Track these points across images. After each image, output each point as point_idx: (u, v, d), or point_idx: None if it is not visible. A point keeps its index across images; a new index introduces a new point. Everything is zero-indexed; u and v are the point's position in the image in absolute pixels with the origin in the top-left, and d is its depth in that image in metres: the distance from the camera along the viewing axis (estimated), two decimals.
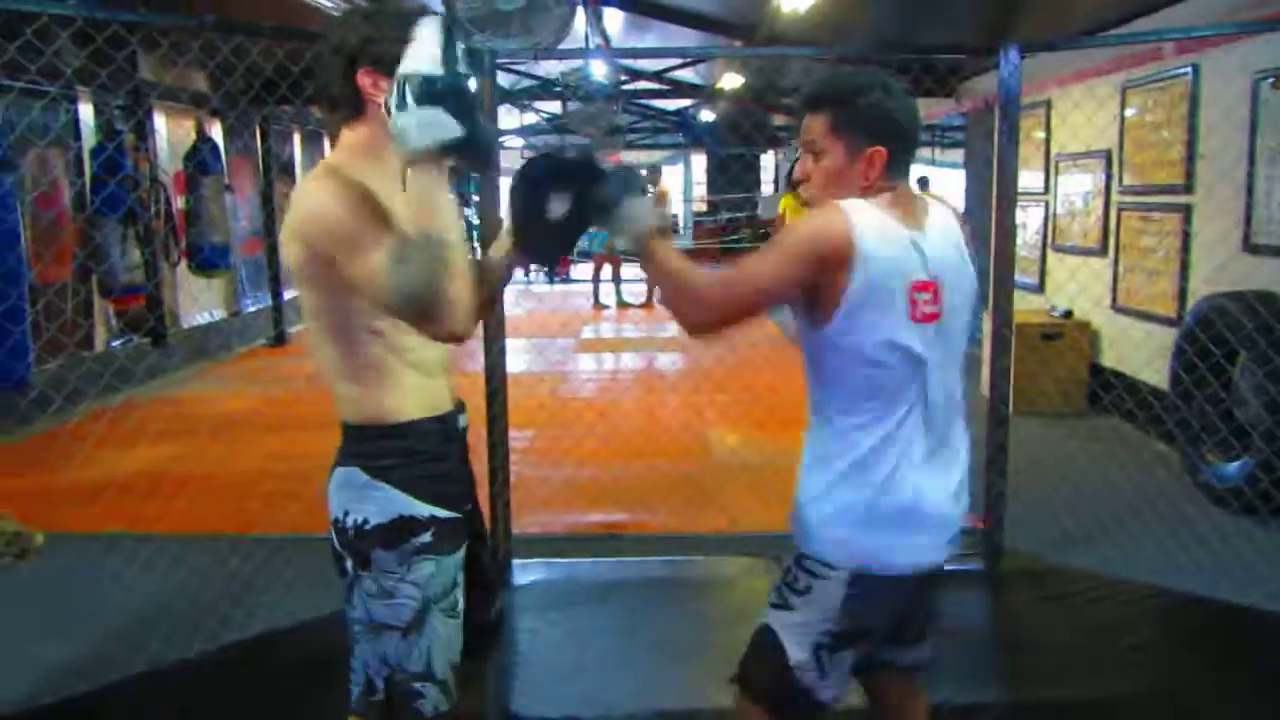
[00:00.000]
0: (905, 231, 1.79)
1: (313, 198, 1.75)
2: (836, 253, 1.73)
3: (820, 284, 1.76)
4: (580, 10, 5.90)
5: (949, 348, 1.86)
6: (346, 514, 1.86)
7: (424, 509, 1.86)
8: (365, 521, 1.84)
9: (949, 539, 1.90)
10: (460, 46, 1.58)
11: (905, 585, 1.87)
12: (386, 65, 1.72)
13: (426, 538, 1.86)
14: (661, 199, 12.71)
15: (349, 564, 1.88)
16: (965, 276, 1.89)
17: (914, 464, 1.82)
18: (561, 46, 4.48)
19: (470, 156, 1.61)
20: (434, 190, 1.69)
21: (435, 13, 1.69)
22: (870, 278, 1.74)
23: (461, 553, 1.94)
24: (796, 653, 1.86)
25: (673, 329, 8.89)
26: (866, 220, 1.76)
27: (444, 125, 1.52)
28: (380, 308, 1.70)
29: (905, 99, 1.85)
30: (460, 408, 2.01)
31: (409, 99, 1.51)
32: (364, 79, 1.79)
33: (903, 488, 1.81)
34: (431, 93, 1.51)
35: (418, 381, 1.87)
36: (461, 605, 1.94)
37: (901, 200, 1.84)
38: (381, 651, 1.88)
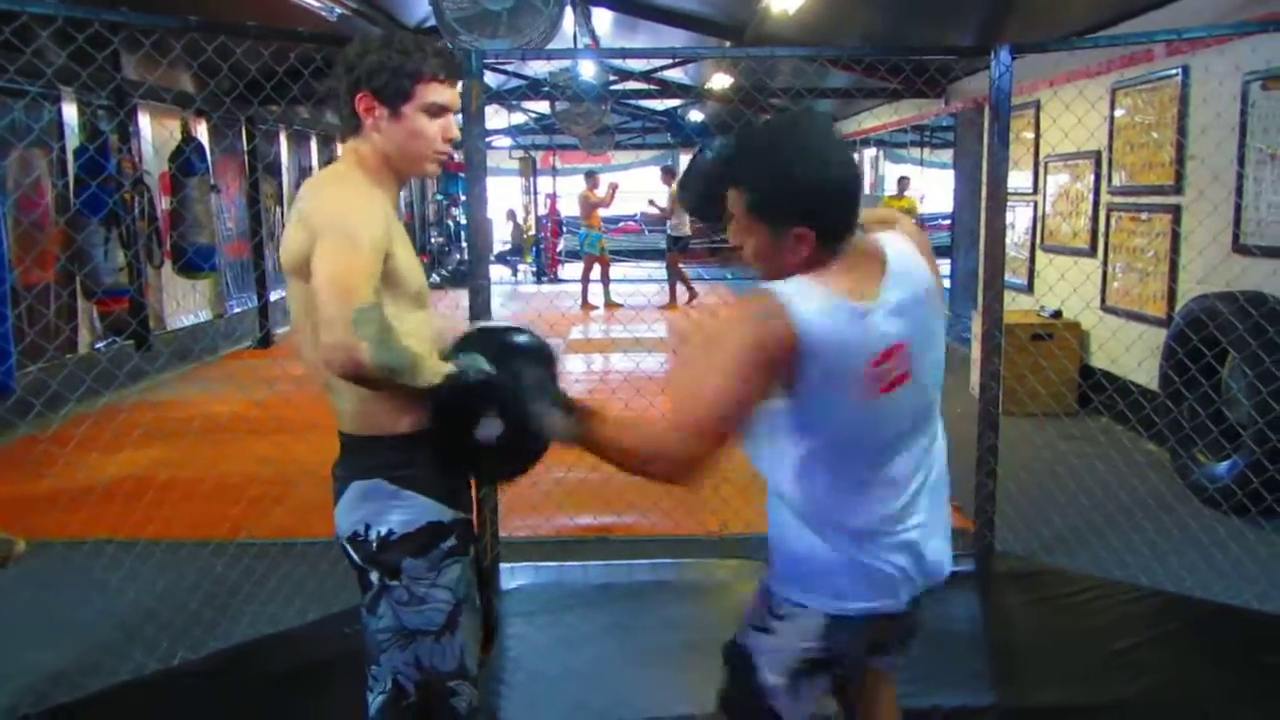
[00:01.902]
0: (857, 306, 1.61)
1: (324, 190, 1.83)
2: (783, 354, 1.58)
3: (774, 383, 1.63)
4: (569, 10, 5.87)
5: (922, 393, 1.75)
6: (368, 527, 1.86)
7: (450, 513, 1.89)
8: (390, 532, 1.85)
9: (922, 584, 1.82)
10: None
11: (878, 621, 1.81)
12: (385, 96, 1.83)
13: (453, 541, 1.89)
14: (674, 201, 12.69)
15: (374, 575, 1.88)
16: (930, 315, 1.74)
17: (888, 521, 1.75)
18: (550, 46, 4.45)
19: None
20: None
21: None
22: (824, 368, 1.60)
23: (472, 551, 1.98)
24: (770, 676, 1.81)
25: (662, 330, 8.83)
26: (810, 305, 1.58)
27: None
28: (322, 305, 1.66)
29: (829, 162, 1.62)
30: None
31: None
32: (361, 102, 1.84)
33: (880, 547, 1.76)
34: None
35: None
36: (478, 601, 1.98)
37: (849, 266, 1.66)
38: (414, 657, 1.89)
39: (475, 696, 1.94)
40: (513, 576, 3.84)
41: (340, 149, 1.93)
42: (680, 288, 12.41)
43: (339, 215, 1.73)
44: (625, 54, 6.44)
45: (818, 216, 1.61)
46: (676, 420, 1.62)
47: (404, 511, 1.84)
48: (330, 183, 1.86)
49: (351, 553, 1.89)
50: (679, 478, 1.67)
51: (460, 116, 2.04)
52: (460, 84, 1.94)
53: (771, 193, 1.62)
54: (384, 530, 1.84)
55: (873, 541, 1.74)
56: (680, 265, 12.52)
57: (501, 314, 3.80)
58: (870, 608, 1.76)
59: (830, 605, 1.76)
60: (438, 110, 1.85)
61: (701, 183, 1.77)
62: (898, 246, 1.73)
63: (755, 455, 1.80)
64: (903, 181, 14.13)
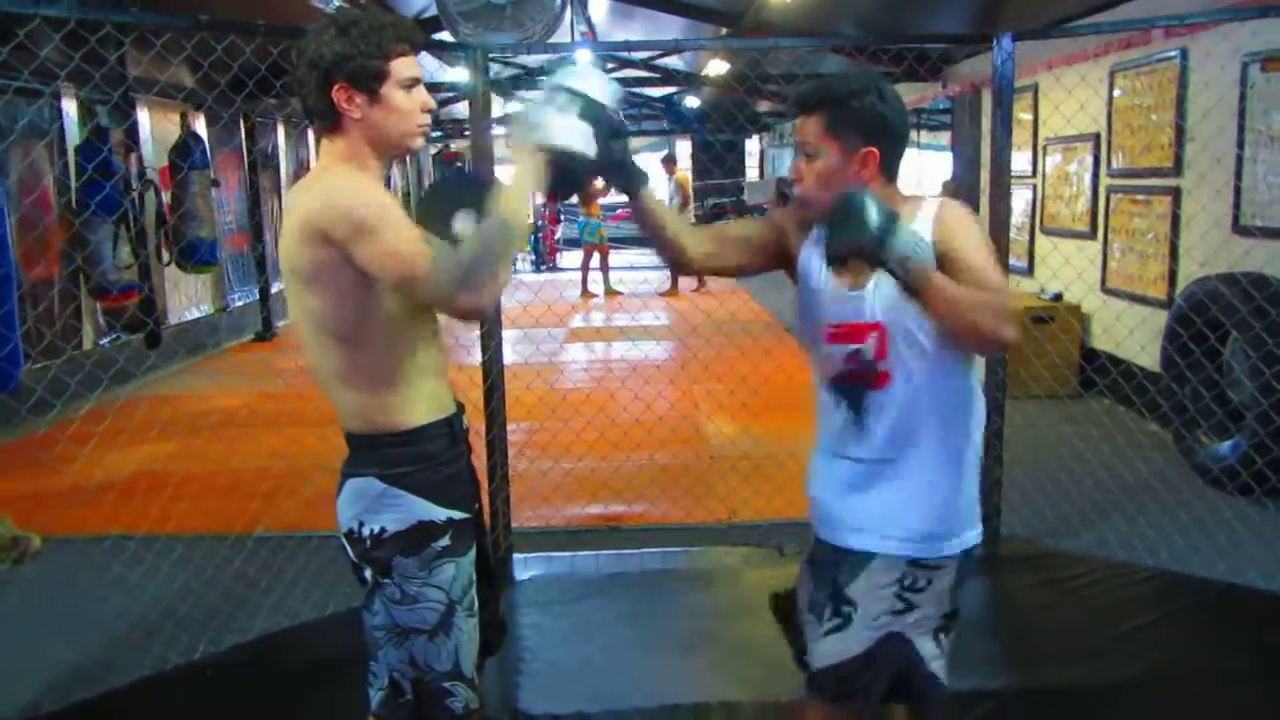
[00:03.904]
0: None
1: (322, 191, 1.77)
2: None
3: None
4: None
5: None
6: (361, 524, 1.87)
7: (441, 513, 1.88)
8: (383, 530, 1.86)
9: None
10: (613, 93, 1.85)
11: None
12: (362, 82, 1.80)
13: (446, 541, 1.88)
14: (684, 186, 12.66)
15: (368, 572, 1.89)
16: None
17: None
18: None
19: (602, 173, 1.90)
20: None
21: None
22: None
23: (474, 552, 1.97)
24: (926, 645, 1.92)
25: (665, 317, 8.84)
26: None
27: (581, 137, 1.80)
28: (405, 280, 1.70)
29: (897, 101, 1.88)
30: (461, 409, 2.03)
31: (563, 107, 1.79)
32: (339, 95, 1.81)
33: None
34: (591, 114, 1.81)
35: (425, 386, 1.89)
36: (477, 604, 1.97)
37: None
38: (409, 655, 1.90)
39: (472, 698, 1.93)
40: (525, 567, 3.88)
41: (319, 148, 1.90)
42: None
43: (349, 212, 1.71)
44: (630, 46, 6.47)
45: (884, 140, 1.86)
46: (997, 288, 1.77)
47: (395, 510, 1.85)
48: (315, 189, 1.80)
49: (347, 549, 1.91)
50: (1010, 336, 1.72)
51: (464, 105, 2.06)
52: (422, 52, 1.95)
53: (848, 112, 1.84)
54: (376, 528, 1.86)
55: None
56: None
57: (505, 304, 3.77)
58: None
59: (969, 539, 1.93)
60: (412, 83, 1.84)
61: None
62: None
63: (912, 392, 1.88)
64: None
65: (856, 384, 1.91)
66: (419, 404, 1.88)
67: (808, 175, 1.89)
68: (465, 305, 1.69)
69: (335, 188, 1.76)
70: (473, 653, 1.95)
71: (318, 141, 2.01)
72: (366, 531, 1.87)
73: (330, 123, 1.83)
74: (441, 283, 1.67)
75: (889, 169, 1.88)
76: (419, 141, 1.90)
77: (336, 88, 1.79)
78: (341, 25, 1.81)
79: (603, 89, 1.83)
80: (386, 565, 1.87)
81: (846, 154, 1.84)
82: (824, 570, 1.96)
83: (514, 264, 1.75)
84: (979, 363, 1.90)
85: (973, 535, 1.93)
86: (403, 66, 1.82)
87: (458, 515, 1.91)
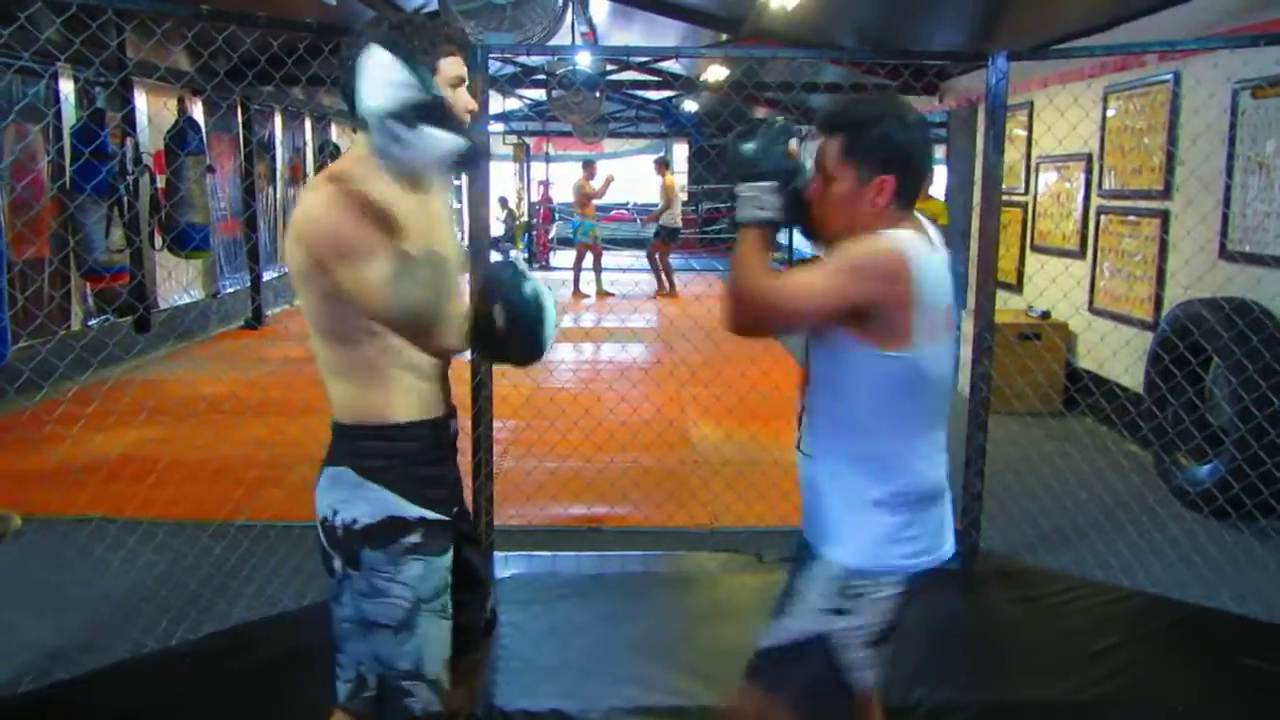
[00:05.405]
0: (938, 255, 1.87)
1: (313, 203, 1.80)
2: (894, 273, 1.78)
3: (880, 308, 1.79)
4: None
5: (951, 363, 1.98)
6: (335, 513, 1.89)
7: (413, 510, 1.89)
8: (354, 521, 1.88)
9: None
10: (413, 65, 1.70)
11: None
12: None
13: (416, 538, 1.89)
14: (669, 191, 12.70)
15: (337, 563, 1.91)
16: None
17: (937, 471, 1.96)
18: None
19: (467, 164, 1.74)
20: (436, 201, 1.83)
21: (455, 39, 1.88)
22: (925, 302, 1.81)
23: (450, 555, 1.97)
24: (851, 654, 1.92)
25: (655, 321, 8.86)
26: (913, 244, 1.81)
27: (447, 140, 1.67)
28: (376, 318, 1.77)
29: (919, 130, 1.88)
30: (453, 413, 2.04)
31: (407, 127, 1.65)
32: None
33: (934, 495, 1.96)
34: (428, 115, 1.67)
35: (411, 384, 1.90)
36: (450, 607, 1.97)
37: (918, 226, 1.89)
38: (374, 650, 1.91)
39: (431, 701, 1.91)
40: (506, 565, 3.89)
41: (354, 140, 1.91)
42: (664, 276, 12.50)
43: (328, 235, 1.75)
44: (630, 51, 6.48)
45: (901, 169, 1.85)
46: (780, 285, 1.81)
47: (367, 503, 1.87)
48: (311, 197, 1.83)
49: (321, 536, 1.92)
50: (742, 320, 1.85)
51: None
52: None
53: (869, 138, 1.85)
54: (349, 518, 1.87)
55: (937, 503, 1.96)
56: (669, 257, 12.60)
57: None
58: (938, 558, 1.96)
59: (910, 563, 1.92)
60: (458, 82, 1.86)
61: (776, 135, 1.87)
62: (937, 233, 1.97)
63: (828, 408, 1.94)
64: None
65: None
66: (402, 402, 1.89)
67: (823, 197, 1.90)
68: (428, 349, 1.81)
69: (320, 207, 1.79)
70: (438, 655, 1.93)
71: (315, 131, 2.05)
72: (339, 521, 1.88)
73: None
74: (402, 331, 1.79)
75: (904, 197, 1.86)
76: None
77: None
78: (394, 22, 1.84)
79: (406, 83, 1.72)
80: (355, 557, 1.88)
81: (862, 180, 1.84)
82: (795, 562, 2.04)
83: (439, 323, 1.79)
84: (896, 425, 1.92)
85: (911, 560, 1.92)
86: (449, 66, 1.85)
87: (430, 515, 1.91)
